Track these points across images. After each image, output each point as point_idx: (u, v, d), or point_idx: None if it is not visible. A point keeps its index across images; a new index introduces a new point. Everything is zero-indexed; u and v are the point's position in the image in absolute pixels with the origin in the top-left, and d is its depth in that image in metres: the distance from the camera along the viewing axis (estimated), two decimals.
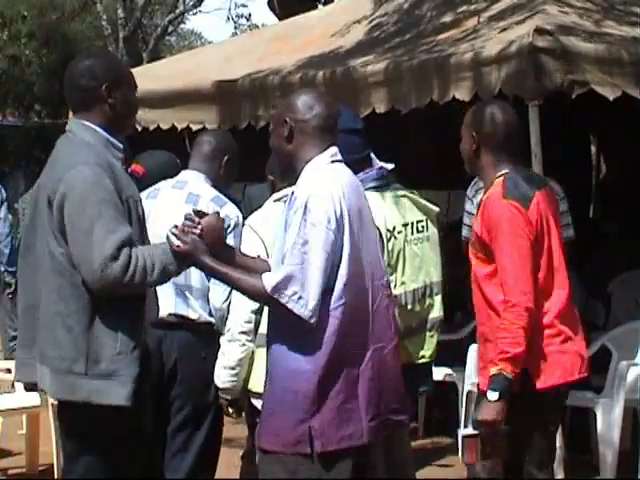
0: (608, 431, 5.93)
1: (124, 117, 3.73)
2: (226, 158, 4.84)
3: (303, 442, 3.49)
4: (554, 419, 4.15)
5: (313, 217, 3.48)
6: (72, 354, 3.54)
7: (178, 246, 3.55)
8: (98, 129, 3.67)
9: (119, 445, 3.58)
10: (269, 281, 3.48)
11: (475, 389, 5.81)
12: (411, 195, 4.55)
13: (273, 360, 3.62)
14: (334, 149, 3.67)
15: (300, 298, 3.44)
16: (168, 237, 3.57)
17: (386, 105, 6.63)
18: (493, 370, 3.87)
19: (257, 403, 4.21)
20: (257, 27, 22.42)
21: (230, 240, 4.53)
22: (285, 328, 3.54)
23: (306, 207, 3.49)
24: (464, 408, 6.35)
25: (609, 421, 5.94)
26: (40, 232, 3.65)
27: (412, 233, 4.45)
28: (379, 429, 3.60)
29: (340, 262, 3.50)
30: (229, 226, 4.53)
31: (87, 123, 3.68)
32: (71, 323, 3.55)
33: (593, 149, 10.35)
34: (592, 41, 6.15)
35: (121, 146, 3.72)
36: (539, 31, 5.97)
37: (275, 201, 4.46)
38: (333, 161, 3.65)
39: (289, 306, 3.45)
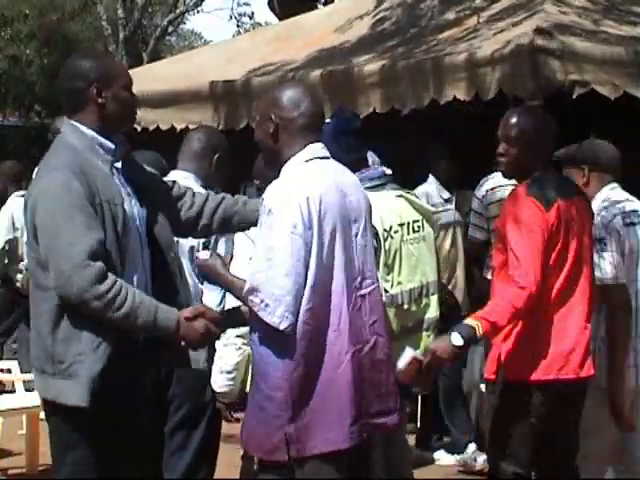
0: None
1: (117, 116, 3.68)
2: (217, 156, 4.77)
3: (280, 449, 3.46)
4: (532, 416, 4.11)
5: (278, 222, 3.44)
6: (43, 354, 3.56)
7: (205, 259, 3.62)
8: (87, 131, 3.64)
9: (104, 444, 3.56)
10: (243, 289, 3.49)
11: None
12: (407, 195, 4.56)
13: (254, 365, 3.62)
14: (315, 146, 3.61)
15: (267, 305, 3.41)
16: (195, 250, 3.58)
17: (385, 105, 6.64)
18: (470, 321, 3.93)
19: None
20: (260, 25, 22.38)
21: (222, 244, 4.52)
22: (260, 334, 3.53)
23: (270, 211, 3.46)
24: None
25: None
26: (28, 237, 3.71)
27: (408, 233, 4.45)
28: (362, 432, 3.52)
29: (308, 266, 3.44)
30: None
31: (77, 124, 3.66)
32: (40, 324, 3.57)
33: None
34: (592, 41, 6.15)
35: (112, 147, 3.68)
36: (539, 31, 5.97)
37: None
38: (313, 158, 3.59)
39: (259, 314, 3.44)
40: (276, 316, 3.40)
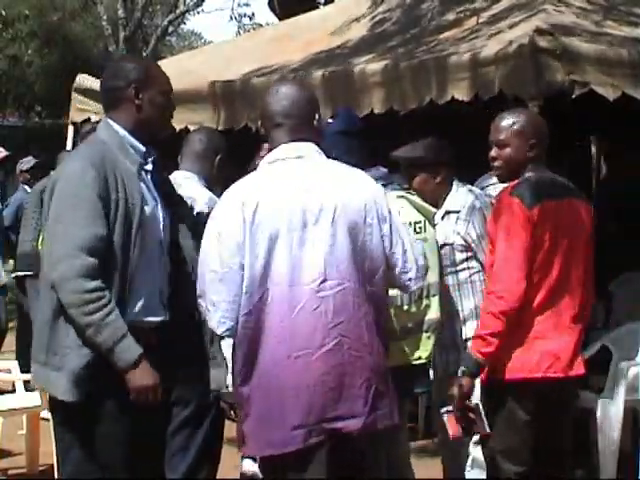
0: (608, 431, 5.92)
1: (152, 119, 3.76)
2: (219, 157, 4.79)
3: (242, 444, 3.59)
4: (523, 414, 4.17)
5: (212, 227, 3.50)
6: (38, 344, 3.63)
7: None
8: (120, 130, 3.73)
9: (102, 442, 3.60)
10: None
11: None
12: (409, 196, 4.56)
13: None
14: (286, 146, 3.60)
15: (208, 311, 3.49)
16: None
17: (385, 105, 6.63)
18: (469, 348, 4.13)
19: None
20: (261, 26, 22.36)
21: None
22: None
23: (210, 216, 3.54)
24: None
25: (609, 421, 5.93)
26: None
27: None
28: (310, 436, 3.45)
29: (242, 273, 3.44)
30: None
31: (111, 122, 3.76)
32: (39, 314, 3.65)
33: (593, 149, 10.35)
34: (592, 41, 6.15)
35: (142, 149, 3.77)
36: (539, 31, 5.97)
37: None
38: (277, 160, 3.59)
39: (206, 317, 3.54)
40: (214, 321, 3.48)
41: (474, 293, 4.86)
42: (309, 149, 3.62)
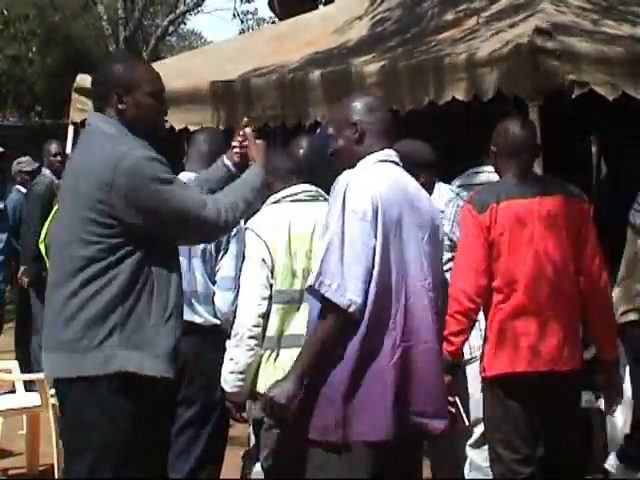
0: (612, 431, 5.92)
1: (139, 122, 3.73)
2: None
3: (330, 431, 3.55)
4: (515, 406, 4.33)
5: (349, 209, 3.57)
6: (96, 328, 3.55)
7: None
8: (119, 126, 3.72)
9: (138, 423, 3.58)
10: (312, 275, 3.59)
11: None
12: None
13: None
14: (389, 151, 3.81)
15: (339, 287, 3.51)
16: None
17: (384, 105, 6.61)
18: None
19: None
20: (264, 21, 22.32)
21: (234, 243, 4.53)
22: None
23: (342, 200, 3.59)
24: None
25: (613, 421, 5.93)
26: (71, 222, 3.66)
27: None
28: (404, 427, 3.59)
29: (374, 252, 3.56)
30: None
31: (110, 118, 3.74)
32: (105, 299, 3.57)
33: (594, 149, 10.34)
34: (592, 41, 6.15)
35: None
36: (539, 31, 5.97)
37: (273, 203, 4.46)
38: (386, 160, 3.77)
39: (327, 295, 3.51)
40: (347, 298, 3.50)
41: None
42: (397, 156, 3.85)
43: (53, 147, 8.79)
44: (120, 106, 3.73)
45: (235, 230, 4.53)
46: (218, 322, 4.56)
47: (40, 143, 9.49)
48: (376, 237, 3.57)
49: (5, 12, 21.82)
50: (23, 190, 9.23)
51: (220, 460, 4.75)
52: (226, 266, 4.54)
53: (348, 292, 3.50)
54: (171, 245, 3.70)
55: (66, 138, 8.53)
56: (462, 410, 4.33)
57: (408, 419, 3.61)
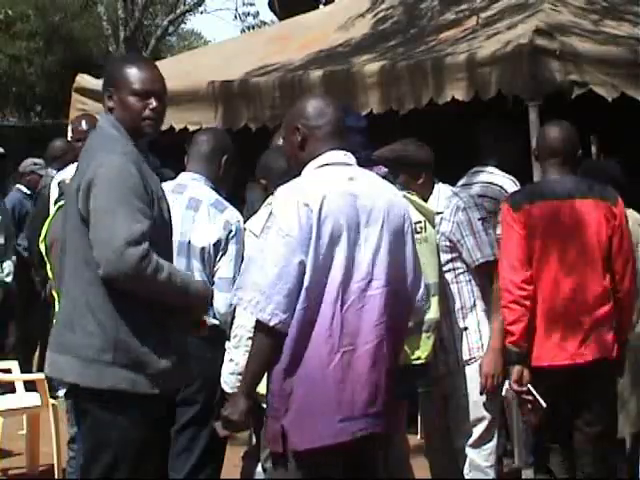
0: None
1: (125, 121, 3.74)
2: (225, 157, 4.78)
3: (277, 441, 3.57)
4: (546, 396, 4.54)
5: (276, 225, 3.54)
6: (101, 343, 3.59)
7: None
8: (121, 127, 3.75)
9: (142, 438, 3.63)
10: (232, 293, 3.69)
11: None
12: (409, 196, 4.56)
13: None
14: (335, 153, 3.72)
15: (258, 303, 3.50)
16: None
17: (384, 105, 6.64)
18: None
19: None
20: (265, 24, 22.29)
21: (233, 244, 4.54)
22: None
23: (272, 214, 3.58)
24: None
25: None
26: (69, 225, 3.74)
27: None
28: (353, 430, 3.56)
29: (305, 268, 3.51)
30: (230, 232, 4.52)
31: (112, 118, 3.77)
32: (101, 314, 3.60)
33: (593, 149, 10.33)
34: (591, 41, 6.15)
35: (142, 148, 3.79)
36: (538, 31, 5.97)
37: (269, 204, 4.47)
38: (326, 164, 3.69)
39: (249, 311, 3.54)
40: (266, 313, 3.49)
41: (460, 293, 4.87)
42: (352, 157, 3.79)
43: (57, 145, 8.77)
44: (110, 104, 3.77)
45: (234, 231, 4.52)
46: (217, 322, 4.56)
47: (41, 143, 9.45)
48: (306, 252, 3.51)
49: (10, 12, 21.80)
50: (25, 190, 9.21)
51: (220, 460, 4.74)
52: (224, 267, 4.54)
53: (269, 307, 3.48)
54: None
55: (66, 138, 8.53)
56: (536, 394, 4.52)
57: (357, 422, 3.58)
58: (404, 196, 4.52)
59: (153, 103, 3.75)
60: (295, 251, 3.50)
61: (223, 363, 4.45)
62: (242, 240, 4.51)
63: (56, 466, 6.20)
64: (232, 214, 4.59)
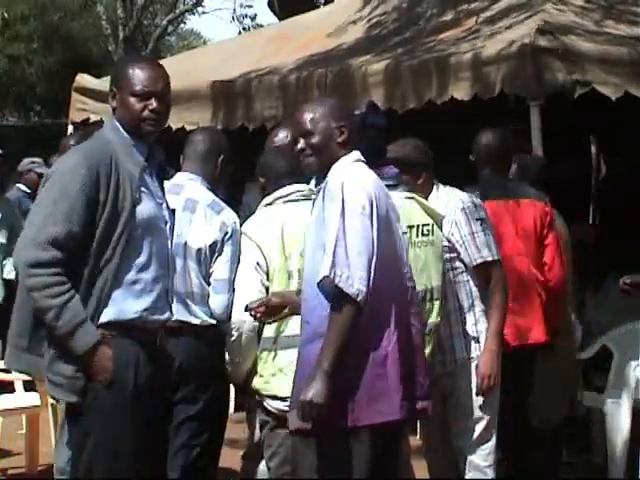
0: (616, 432, 5.92)
1: (126, 121, 3.75)
2: (221, 157, 4.77)
3: (339, 417, 3.63)
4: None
5: (348, 206, 3.67)
6: (18, 330, 3.76)
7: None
8: (122, 130, 3.76)
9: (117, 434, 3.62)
10: (325, 266, 3.66)
11: None
12: (419, 198, 4.56)
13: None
14: (358, 152, 3.88)
15: (348, 278, 3.62)
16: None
17: (385, 105, 6.63)
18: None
19: (269, 404, 4.32)
20: (262, 27, 22.32)
21: (229, 245, 4.53)
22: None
23: (340, 198, 3.68)
24: None
25: (617, 422, 5.93)
26: None
27: (417, 235, 4.45)
28: (410, 408, 3.74)
29: (373, 244, 3.67)
30: (226, 233, 4.51)
31: (115, 121, 3.79)
32: (20, 301, 3.78)
33: (593, 149, 10.35)
34: (593, 40, 6.15)
35: (143, 150, 3.77)
36: (541, 31, 5.98)
37: (267, 205, 4.46)
38: (359, 160, 3.86)
39: (340, 285, 3.61)
40: (355, 288, 3.61)
41: (458, 293, 4.87)
42: None
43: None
44: (113, 104, 3.80)
45: (230, 233, 4.51)
46: (214, 322, 4.55)
47: (40, 143, 9.44)
48: (373, 229, 3.69)
49: (6, 15, 21.82)
50: (24, 189, 9.20)
51: (217, 459, 4.74)
52: (220, 269, 4.52)
53: (356, 282, 3.61)
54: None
55: None
56: None
57: (413, 400, 3.76)
58: (412, 197, 4.52)
59: (153, 104, 3.74)
60: (369, 227, 3.67)
61: (221, 361, 4.47)
62: (238, 241, 4.50)
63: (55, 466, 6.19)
64: (228, 215, 4.57)
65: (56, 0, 24.28)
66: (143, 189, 3.73)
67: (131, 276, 3.67)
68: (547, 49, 5.86)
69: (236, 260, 4.45)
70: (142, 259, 3.70)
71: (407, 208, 4.45)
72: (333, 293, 3.64)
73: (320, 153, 3.85)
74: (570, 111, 7.01)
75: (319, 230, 3.77)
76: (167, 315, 3.84)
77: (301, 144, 3.88)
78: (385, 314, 3.71)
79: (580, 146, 9.51)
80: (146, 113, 3.74)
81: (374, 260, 3.67)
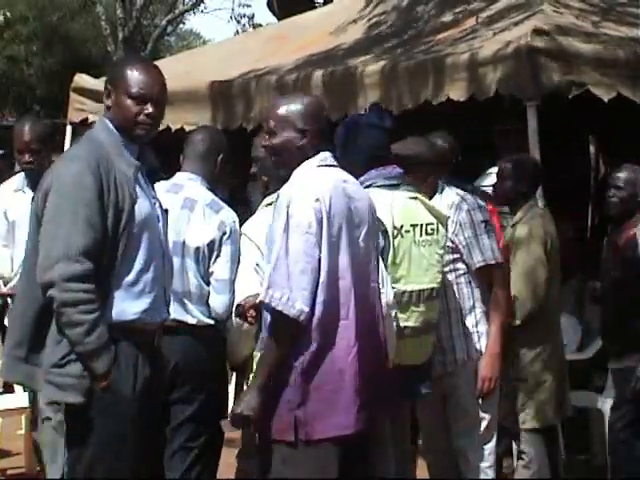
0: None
1: (120, 122, 3.74)
2: (221, 157, 4.78)
3: (288, 431, 3.66)
4: None
5: (294, 222, 3.65)
6: (15, 339, 3.72)
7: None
8: (114, 130, 3.75)
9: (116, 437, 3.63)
10: (262, 290, 3.70)
11: None
12: (422, 198, 4.57)
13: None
14: (326, 154, 3.83)
15: (288, 300, 3.62)
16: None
17: (383, 105, 6.61)
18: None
19: None
20: (260, 26, 22.31)
21: (228, 245, 4.54)
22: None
23: (287, 213, 3.66)
24: None
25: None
26: (30, 228, 3.77)
27: (421, 235, 4.45)
28: (367, 418, 3.72)
29: (320, 262, 3.66)
30: (225, 233, 4.52)
31: (107, 122, 3.78)
32: (19, 311, 3.73)
33: (592, 149, 10.35)
34: (590, 42, 6.16)
35: (135, 150, 3.77)
36: (537, 32, 5.98)
37: (267, 205, 4.47)
38: (323, 165, 3.81)
39: (279, 308, 3.62)
40: (296, 309, 3.62)
41: (459, 294, 4.87)
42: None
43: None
44: (107, 102, 3.79)
45: (229, 232, 4.52)
46: (212, 322, 4.56)
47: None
48: (320, 248, 3.66)
49: (8, 14, 21.82)
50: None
51: (217, 459, 4.75)
52: (221, 269, 4.54)
53: (297, 303, 3.62)
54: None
55: (64, 138, 8.53)
56: None
57: (370, 409, 3.74)
58: (415, 197, 4.54)
59: (149, 109, 3.74)
60: (315, 246, 3.65)
61: (218, 362, 4.48)
62: (237, 241, 4.51)
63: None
64: (227, 215, 4.58)
65: (55, 0, 24.27)
66: (138, 189, 3.73)
67: (130, 277, 3.68)
68: (543, 50, 5.87)
69: (236, 260, 4.46)
70: (141, 260, 3.70)
71: (411, 207, 4.48)
72: (271, 315, 3.67)
73: (279, 155, 3.86)
74: (568, 111, 7.02)
75: (269, 244, 3.81)
76: (164, 316, 3.86)
77: (266, 141, 3.92)
78: (342, 328, 3.70)
79: (578, 146, 9.52)
80: (141, 117, 3.74)
81: (324, 277, 3.65)
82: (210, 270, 4.55)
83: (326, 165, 3.82)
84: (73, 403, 3.57)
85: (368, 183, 4.49)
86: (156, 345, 3.83)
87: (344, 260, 3.71)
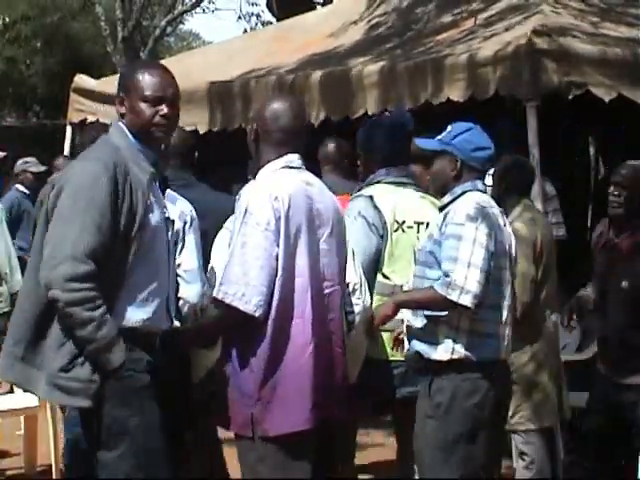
0: None
1: (136, 127, 3.73)
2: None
3: (247, 427, 3.75)
4: None
5: (253, 220, 3.70)
6: (14, 338, 3.69)
7: None
8: (130, 135, 3.74)
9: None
10: (215, 288, 3.77)
11: None
12: (431, 198, 4.58)
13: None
14: (290, 156, 3.87)
15: (243, 295, 3.67)
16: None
17: (381, 107, 6.63)
18: None
19: None
20: (270, 23, 22.29)
21: (191, 234, 4.51)
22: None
23: (246, 210, 3.72)
24: None
25: None
26: (39, 225, 3.74)
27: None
28: (320, 416, 3.76)
29: (277, 262, 3.70)
30: (186, 222, 4.50)
31: (122, 126, 3.77)
32: (20, 310, 3.72)
33: (592, 149, 10.36)
34: (589, 42, 6.16)
35: (152, 156, 3.76)
36: (537, 32, 5.98)
37: None
38: (284, 167, 3.85)
39: (234, 304, 3.67)
40: (252, 304, 3.67)
41: None
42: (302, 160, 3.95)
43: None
44: (122, 110, 3.77)
45: (189, 221, 4.47)
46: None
47: (40, 144, 9.44)
48: (278, 245, 3.70)
49: (7, 19, 21.83)
50: (22, 189, 9.20)
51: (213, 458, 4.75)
52: (188, 259, 4.47)
53: (254, 298, 3.67)
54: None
55: (64, 138, 8.54)
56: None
57: (322, 408, 3.77)
58: (424, 197, 4.55)
59: (164, 109, 3.73)
60: (273, 243, 3.69)
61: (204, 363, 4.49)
62: (198, 228, 4.49)
63: (54, 467, 6.20)
64: (184, 204, 4.55)
65: (56, 1, 24.27)
66: (151, 197, 3.71)
67: (136, 284, 3.66)
68: (543, 50, 5.87)
69: (201, 248, 4.44)
70: (148, 268, 3.69)
71: (417, 205, 4.53)
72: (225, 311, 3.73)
73: (252, 153, 3.95)
74: (568, 111, 7.03)
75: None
76: (166, 325, 3.83)
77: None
78: (297, 327, 3.74)
79: (578, 146, 9.52)
80: (157, 119, 3.74)
81: (280, 274, 3.69)
82: (177, 262, 4.53)
83: (291, 167, 3.86)
84: (82, 407, 3.56)
85: (376, 180, 4.52)
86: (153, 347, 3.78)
87: (302, 260, 3.75)
